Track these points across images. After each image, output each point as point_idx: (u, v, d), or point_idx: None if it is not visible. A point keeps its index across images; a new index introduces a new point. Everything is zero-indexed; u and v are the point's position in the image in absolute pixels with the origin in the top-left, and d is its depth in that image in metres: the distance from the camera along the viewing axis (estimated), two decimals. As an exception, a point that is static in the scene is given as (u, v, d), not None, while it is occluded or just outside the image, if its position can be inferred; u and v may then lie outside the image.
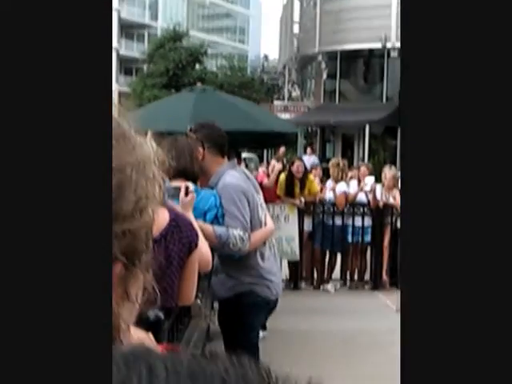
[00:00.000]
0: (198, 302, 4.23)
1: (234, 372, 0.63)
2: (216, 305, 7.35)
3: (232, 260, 4.45)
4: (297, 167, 10.20)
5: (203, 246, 3.50)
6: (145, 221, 1.25)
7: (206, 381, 0.60)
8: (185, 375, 0.60)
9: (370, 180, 11.00)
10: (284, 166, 10.78)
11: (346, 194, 10.49)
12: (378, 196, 10.53)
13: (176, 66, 40.78)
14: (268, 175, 10.43)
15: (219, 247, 4.32)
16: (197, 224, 3.87)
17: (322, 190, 10.78)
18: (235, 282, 4.55)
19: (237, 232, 4.30)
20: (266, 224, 4.64)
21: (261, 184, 6.84)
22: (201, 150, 4.50)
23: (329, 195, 10.56)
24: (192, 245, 3.19)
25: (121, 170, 1.01)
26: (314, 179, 10.75)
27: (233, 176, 4.49)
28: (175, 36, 42.38)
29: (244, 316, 4.56)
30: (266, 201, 5.28)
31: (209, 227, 4.28)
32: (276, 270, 4.79)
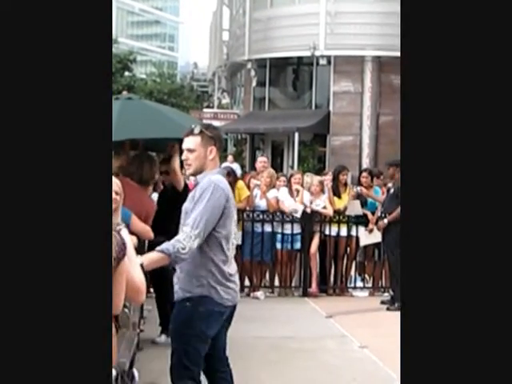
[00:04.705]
0: (126, 311, 4.22)
1: None
2: (145, 313, 7.32)
3: None
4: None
5: (135, 274, 3.48)
6: None
7: None
8: None
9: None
10: None
11: (276, 199, 10.59)
12: (307, 202, 10.64)
13: (105, 72, 40.40)
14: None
15: (175, 259, 4.31)
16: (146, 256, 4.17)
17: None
18: None
19: (179, 236, 4.33)
20: None
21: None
22: (214, 148, 4.59)
23: (259, 202, 10.62)
24: (120, 255, 3.19)
25: None
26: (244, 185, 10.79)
27: (222, 180, 4.57)
28: (104, 43, 41.93)
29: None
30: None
31: (152, 253, 4.33)
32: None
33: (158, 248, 4.31)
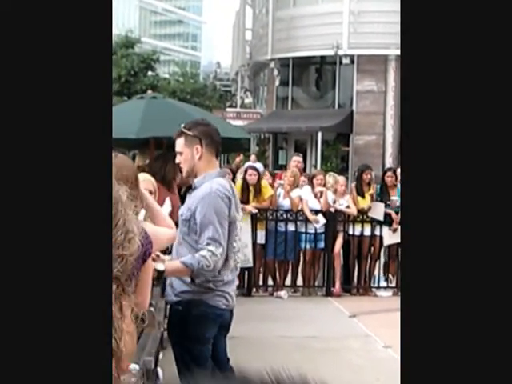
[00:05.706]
0: (152, 309, 4.22)
1: None
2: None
3: None
4: (250, 175, 10.27)
5: (163, 234, 3.61)
6: (133, 249, 1.66)
7: None
8: None
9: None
10: (234, 174, 10.87)
11: (300, 198, 10.57)
12: (330, 201, 10.61)
13: (128, 72, 40.54)
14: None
15: (197, 274, 4.29)
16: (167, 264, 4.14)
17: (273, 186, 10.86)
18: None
19: (204, 252, 4.25)
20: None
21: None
22: (199, 147, 4.41)
23: (282, 202, 10.61)
24: (146, 253, 3.19)
25: (114, 203, 1.12)
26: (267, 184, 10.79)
27: (222, 185, 4.43)
28: (127, 43, 42.11)
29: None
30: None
31: (176, 263, 4.29)
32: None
33: (183, 260, 4.26)
